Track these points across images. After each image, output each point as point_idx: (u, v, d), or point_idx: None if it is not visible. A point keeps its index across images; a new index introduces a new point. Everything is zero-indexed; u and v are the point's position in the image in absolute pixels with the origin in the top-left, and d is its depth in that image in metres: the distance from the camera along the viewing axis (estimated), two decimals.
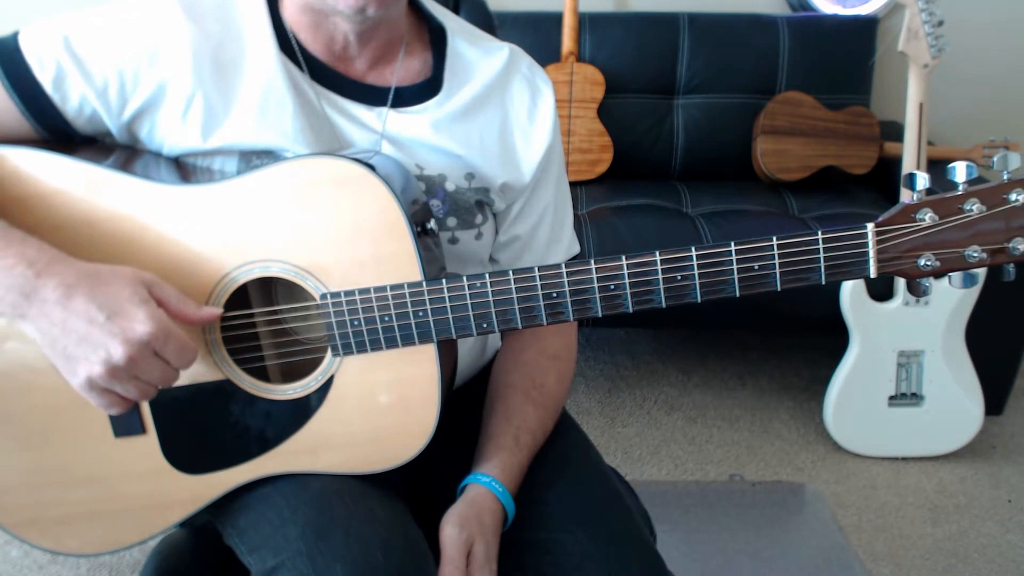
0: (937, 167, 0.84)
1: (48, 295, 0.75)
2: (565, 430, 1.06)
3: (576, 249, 1.10)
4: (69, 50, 0.86)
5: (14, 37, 0.87)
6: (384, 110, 0.95)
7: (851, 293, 1.93)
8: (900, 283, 1.93)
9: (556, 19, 2.33)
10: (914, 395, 1.99)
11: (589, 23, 2.37)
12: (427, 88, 0.97)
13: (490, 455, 0.94)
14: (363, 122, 0.94)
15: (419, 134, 0.95)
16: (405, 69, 0.97)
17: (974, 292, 1.91)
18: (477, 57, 0.99)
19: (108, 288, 0.76)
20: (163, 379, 0.79)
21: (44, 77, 0.86)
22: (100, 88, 0.87)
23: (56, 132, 0.89)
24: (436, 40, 0.99)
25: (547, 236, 1.05)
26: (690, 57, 2.39)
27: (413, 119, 0.95)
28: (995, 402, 2.16)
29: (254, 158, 0.91)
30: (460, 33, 1.00)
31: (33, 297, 0.75)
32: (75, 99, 0.87)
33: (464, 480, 0.93)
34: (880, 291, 1.95)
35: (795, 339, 2.56)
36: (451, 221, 0.97)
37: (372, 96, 0.95)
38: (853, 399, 2.01)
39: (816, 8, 2.52)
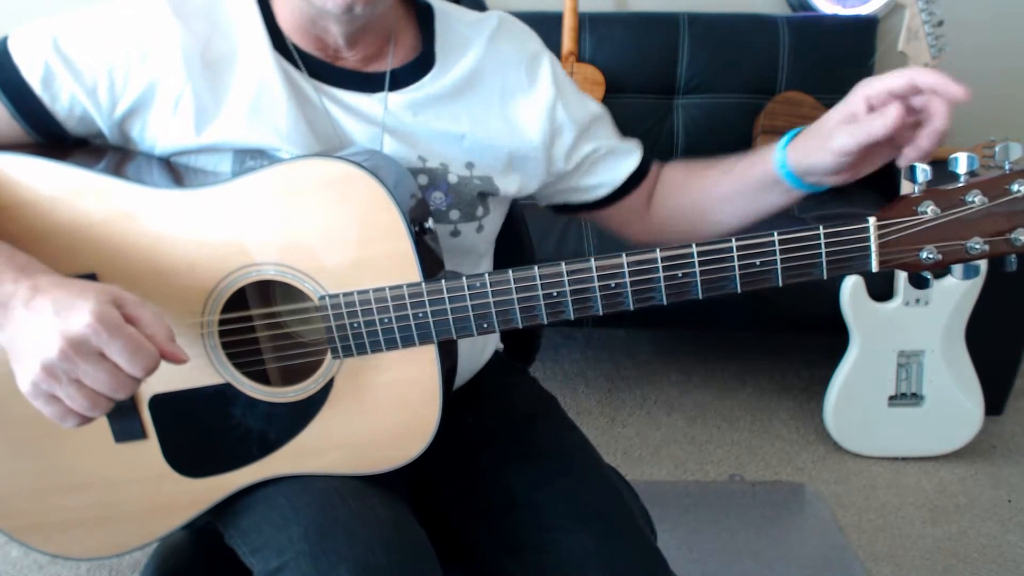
0: (937, 166, 0.84)
1: (19, 299, 0.72)
2: (565, 430, 1.07)
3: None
4: (57, 50, 0.85)
5: (3, 41, 0.87)
6: (383, 95, 0.94)
7: (851, 293, 1.93)
8: (900, 283, 1.93)
9: (556, 19, 2.33)
10: (914, 395, 1.99)
11: (589, 23, 2.37)
12: (420, 65, 0.97)
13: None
14: (363, 112, 0.94)
15: (420, 118, 0.95)
16: (396, 54, 0.97)
17: (974, 292, 1.91)
18: (467, 29, 0.99)
19: (73, 291, 0.71)
20: (111, 386, 0.71)
21: (32, 77, 0.85)
22: (90, 87, 0.87)
23: (47, 134, 0.89)
24: (424, 19, 0.99)
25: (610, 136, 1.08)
26: (690, 57, 2.39)
27: (412, 96, 0.95)
28: (995, 402, 2.16)
29: (248, 159, 0.90)
30: (447, 9, 1.00)
31: (8, 305, 0.72)
32: (64, 99, 0.87)
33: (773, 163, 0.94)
34: (880, 291, 1.95)
35: (795, 339, 2.56)
36: (454, 214, 0.97)
37: (369, 83, 0.95)
38: (853, 399, 2.01)
39: (816, 8, 2.52)
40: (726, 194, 1.01)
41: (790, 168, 0.92)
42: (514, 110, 0.99)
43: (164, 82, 0.87)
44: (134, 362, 0.70)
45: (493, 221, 1.02)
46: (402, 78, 0.96)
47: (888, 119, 0.80)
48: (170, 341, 0.74)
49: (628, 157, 1.07)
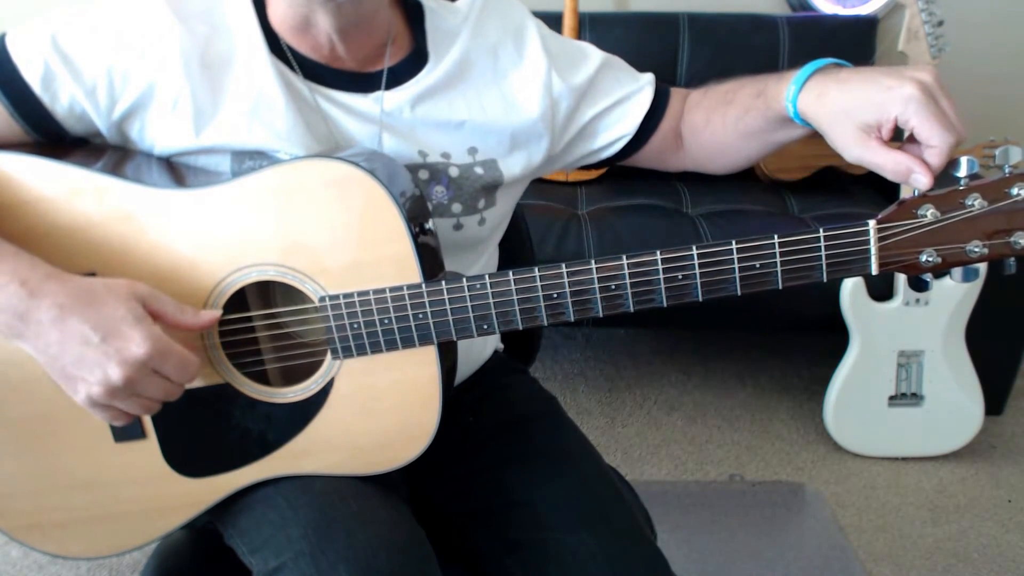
0: None
1: (42, 316, 0.74)
2: (564, 430, 1.07)
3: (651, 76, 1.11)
4: (57, 49, 0.85)
5: (0, 39, 0.86)
6: (379, 93, 0.95)
7: (851, 293, 1.93)
8: (900, 283, 1.93)
9: (556, 19, 2.33)
10: (914, 395, 1.99)
11: (589, 23, 2.37)
12: (415, 61, 0.97)
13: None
14: (361, 111, 0.94)
15: (418, 113, 0.95)
16: (392, 54, 0.97)
17: (974, 292, 1.91)
18: (454, 19, 0.99)
19: (102, 308, 0.75)
20: (165, 394, 0.79)
21: (32, 77, 0.85)
22: (89, 87, 0.86)
23: (46, 133, 0.88)
24: (413, 16, 0.99)
25: (621, 80, 1.08)
26: (690, 57, 2.39)
27: (409, 93, 0.95)
28: (995, 402, 2.16)
29: (247, 159, 0.90)
30: (435, 6, 1.00)
31: (28, 318, 0.75)
32: (64, 99, 0.87)
33: (784, 99, 0.92)
34: (880, 291, 1.95)
35: (795, 339, 2.56)
36: (456, 207, 0.97)
37: (366, 83, 0.95)
38: (853, 399, 2.01)
39: (816, 8, 2.52)
40: (748, 132, 1.01)
41: (803, 118, 0.90)
42: (510, 88, 0.99)
43: (163, 83, 0.87)
44: (183, 374, 0.79)
45: (497, 213, 1.02)
46: (399, 75, 0.96)
47: (903, 178, 0.80)
48: (196, 317, 0.82)
49: (637, 104, 1.06)
